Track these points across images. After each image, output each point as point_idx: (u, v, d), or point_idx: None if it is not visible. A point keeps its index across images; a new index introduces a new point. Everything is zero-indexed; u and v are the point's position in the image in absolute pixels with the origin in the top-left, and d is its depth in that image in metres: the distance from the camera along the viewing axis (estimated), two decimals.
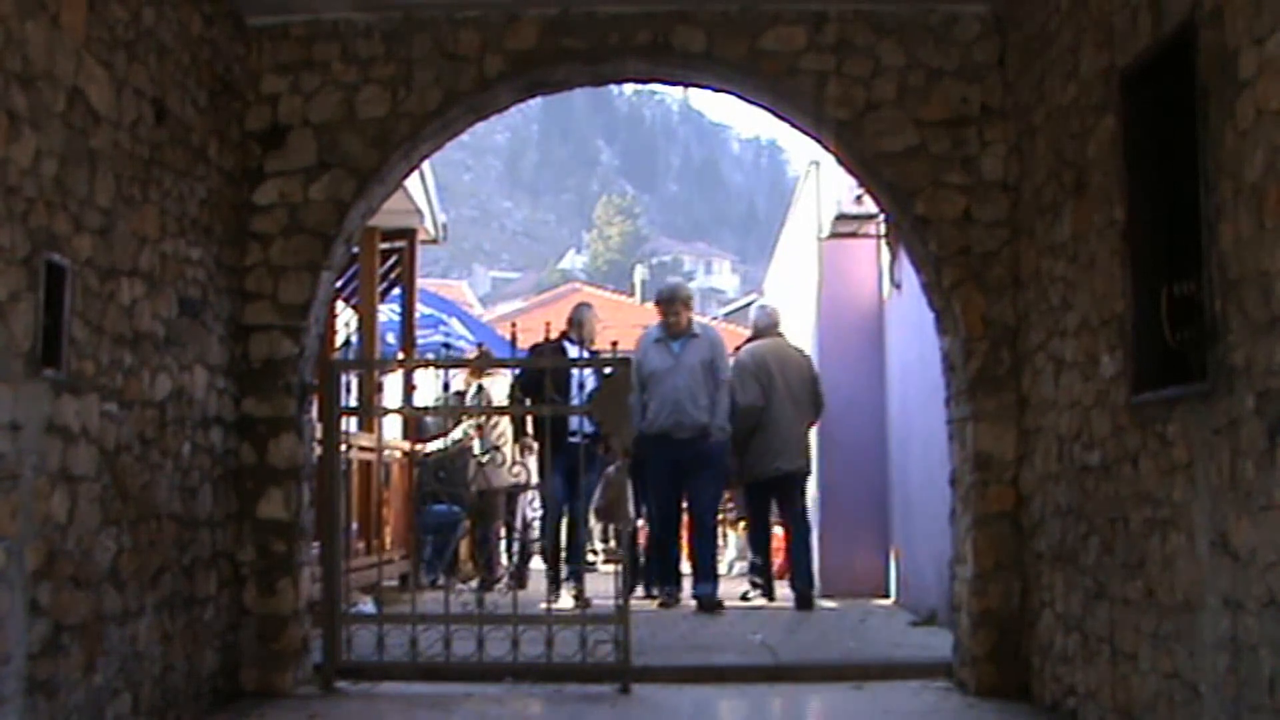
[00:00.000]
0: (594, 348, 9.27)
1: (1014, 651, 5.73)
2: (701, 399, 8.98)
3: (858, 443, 10.05)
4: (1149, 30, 4.19)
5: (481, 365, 10.22)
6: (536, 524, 10.24)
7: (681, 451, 8.94)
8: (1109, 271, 4.60)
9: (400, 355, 10.33)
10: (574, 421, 8.16)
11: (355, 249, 8.32)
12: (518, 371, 8.42)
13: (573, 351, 9.01)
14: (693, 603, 9.00)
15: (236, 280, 5.97)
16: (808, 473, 9.71)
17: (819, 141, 6.46)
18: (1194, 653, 3.83)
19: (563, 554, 8.98)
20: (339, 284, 8.55)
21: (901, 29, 6.10)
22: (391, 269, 11.37)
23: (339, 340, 10.48)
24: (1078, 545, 4.97)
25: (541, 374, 6.88)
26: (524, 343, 7.00)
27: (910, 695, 5.89)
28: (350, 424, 6.91)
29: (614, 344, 6.85)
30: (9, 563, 3.75)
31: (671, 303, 9.43)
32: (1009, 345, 5.92)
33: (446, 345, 12.97)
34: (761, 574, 9.80)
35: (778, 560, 10.36)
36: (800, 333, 11.22)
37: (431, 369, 9.12)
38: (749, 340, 10.06)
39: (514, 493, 10.89)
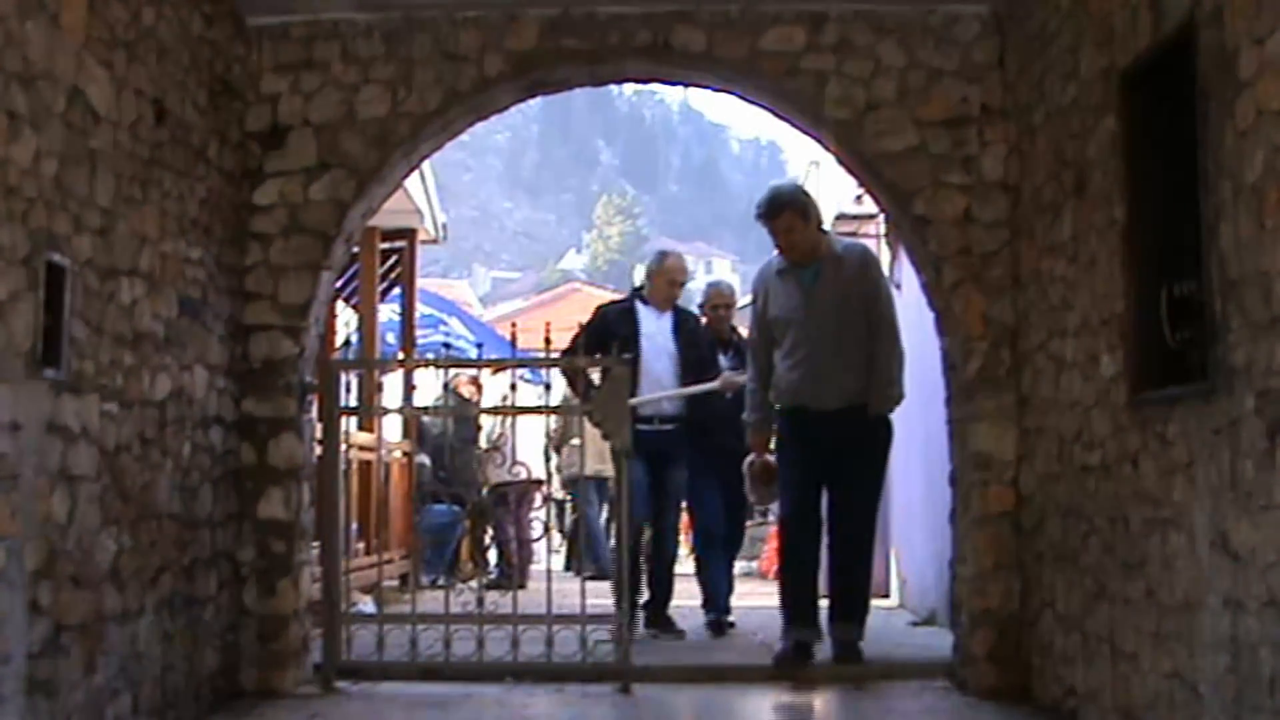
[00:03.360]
0: (668, 308, 7.48)
1: (1014, 651, 5.73)
2: (853, 353, 6.13)
3: None
4: (1149, 30, 4.19)
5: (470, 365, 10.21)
6: (537, 524, 10.19)
7: (826, 432, 6.17)
8: (1109, 271, 4.60)
9: (400, 355, 10.34)
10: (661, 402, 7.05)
11: (355, 249, 8.32)
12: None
13: (644, 313, 7.45)
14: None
15: (236, 280, 5.97)
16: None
17: (819, 141, 6.46)
18: (1194, 653, 3.83)
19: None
20: (339, 284, 8.56)
21: (901, 29, 6.10)
22: (391, 269, 11.38)
23: (339, 340, 10.49)
24: (1078, 545, 4.97)
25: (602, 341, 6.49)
26: (524, 343, 6.96)
27: (910, 695, 5.89)
28: (350, 424, 6.91)
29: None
30: (9, 563, 3.75)
31: (775, 215, 6.23)
32: (1009, 345, 5.92)
33: (446, 345, 12.98)
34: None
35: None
36: None
37: (431, 369, 9.11)
38: None
39: (521, 491, 10.82)
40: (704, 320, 8.04)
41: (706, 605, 7.72)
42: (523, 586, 9.43)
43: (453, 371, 9.65)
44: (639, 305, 7.45)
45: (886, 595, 9.82)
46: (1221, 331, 3.61)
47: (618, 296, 7.51)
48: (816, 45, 6.11)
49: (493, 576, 10.04)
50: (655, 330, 7.30)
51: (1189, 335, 3.95)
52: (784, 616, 6.33)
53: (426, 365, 8.21)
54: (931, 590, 7.94)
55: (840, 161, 6.66)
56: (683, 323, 7.47)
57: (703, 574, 7.84)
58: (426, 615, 6.33)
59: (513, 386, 6.53)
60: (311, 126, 6.14)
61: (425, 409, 9.86)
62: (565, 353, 6.92)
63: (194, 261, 5.40)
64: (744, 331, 7.56)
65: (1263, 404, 3.36)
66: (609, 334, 6.90)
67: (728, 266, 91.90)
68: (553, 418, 9.13)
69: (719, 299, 8.19)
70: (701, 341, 7.63)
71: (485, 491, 10.82)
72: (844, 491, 6.28)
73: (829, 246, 6.31)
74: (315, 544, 6.39)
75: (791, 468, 6.39)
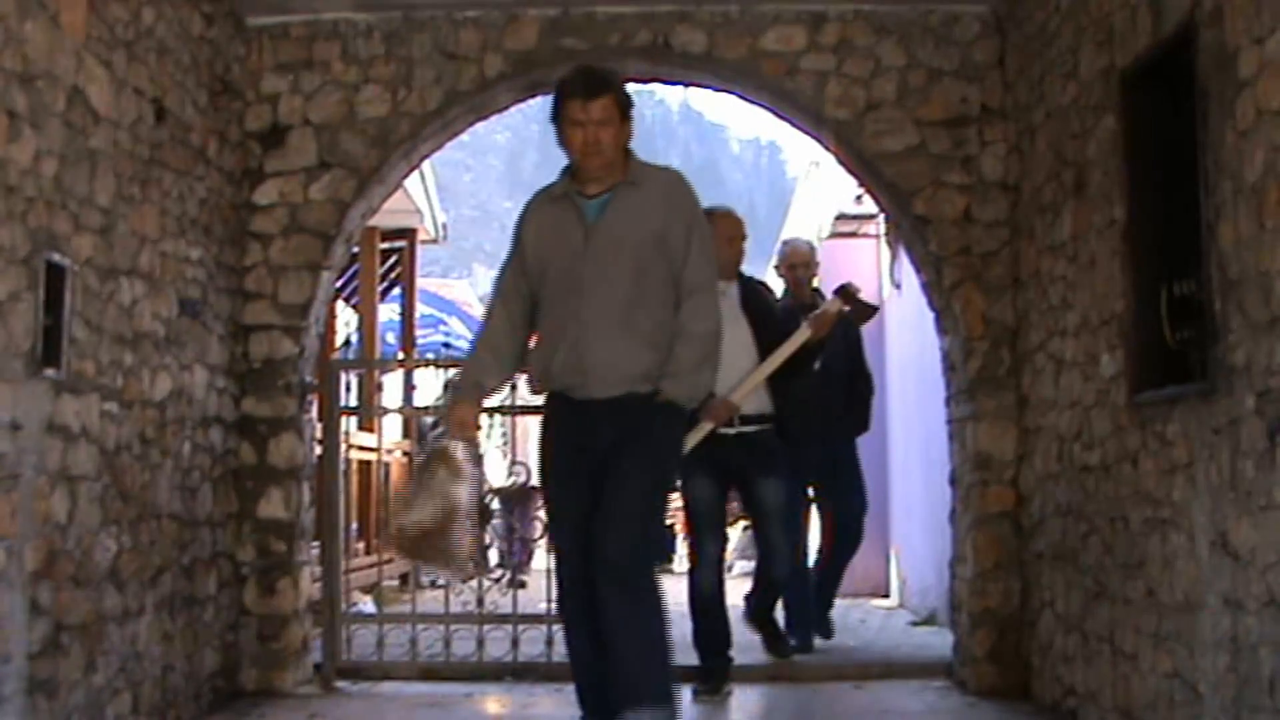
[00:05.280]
0: (731, 276, 5.82)
1: (1014, 651, 5.74)
2: (643, 323, 4.07)
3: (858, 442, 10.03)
4: (1149, 30, 4.19)
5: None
6: (537, 524, 10.15)
7: (596, 432, 4.09)
8: (1109, 271, 4.60)
9: (400, 355, 10.33)
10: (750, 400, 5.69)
11: (355, 249, 8.32)
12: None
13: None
14: None
15: (236, 280, 5.97)
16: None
17: (819, 141, 6.46)
18: (1194, 653, 3.83)
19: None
20: (339, 284, 8.56)
21: (901, 29, 6.10)
22: (391, 269, 11.39)
23: (339, 340, 10.50)
24: (1078, 545, 4.97)
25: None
26: None
27: (910, 695, 5.89)
28: (350, 424, 6.91)
29: None
30: (9, 563, 3.75)
31: (594, 94, 4.08)
32: (1009, 345, 5.92)
33: (446, 345, 12.99)
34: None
35: None
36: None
37: (431, 369, 9.11)
38: None
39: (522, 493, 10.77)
40: (783, 286, 7.14)
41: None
42: (523, 585, 9.43)
43: (452, 371, 9.64)
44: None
45: (886, 595, 9.83)
46: (1221, 331, 3.61)
47: None
48: (816, 45, 6.12)
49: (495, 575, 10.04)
50: (724, 310, 5.24)
51: (1189, 335, 3.95)
52: (580, 694, 4.29)
53: (426, 365, 8.23)
54: (931, 590, 7.95)
55: (840, 161, 6.66)
56: (751, 293, 5.95)
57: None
58: (426, 615, 6.34)
59: (513, 386, 6.52)
60: (311, 126, 6.14)
61: (425, 409, 9.87)
62: None
63: (194, 261, 5.40)
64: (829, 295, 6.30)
65: (1263, 404, 3.36)
66: None
67: None
68: None
69: (795, 257, 7.12)
70: (777, 312, 6.22)
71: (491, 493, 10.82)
72: (605, 507, 4.02)
73: (631, 173, 4.19)
74: (315, 544, 6.39)
75: (555, 485, 4.25)
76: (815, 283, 7.20)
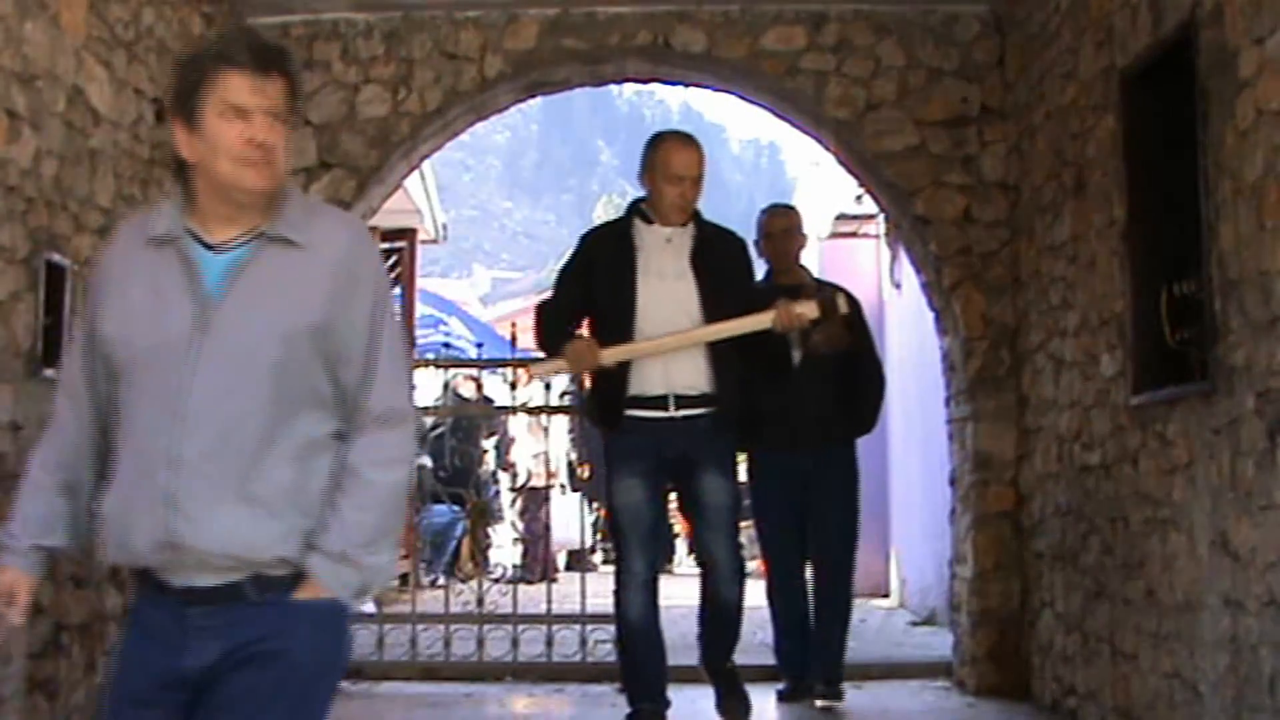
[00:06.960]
0: (682, 218, 4.74)
1: (1014, 651, 5.74)
2: (277, 467, 2.26)
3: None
4: (1149, 30, 4.19)
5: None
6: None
7: (193, 646, 2.32)
8: (1109, 271, 4.60)
9: None
10: (680, 371, 4.52)
11: None
12: None
13: (646, 235, 4.76)
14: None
15: None
16: None
17: (819, 141, 6.46)
18: (1194, 653, 3.83)
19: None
20: None
21: (901, 29, 6.10)
22: (391, 269, 11.38)
23: None
24: (1078, 545, 4.97)
25: None
26: (524, 343, 6.93)
27: (910, 695, 5.89)
28: None
29: None
30: None
31: (267, 67, 2.27)
32: (1009, 345, 5.92)
33: (446, 345, 12.99)
34: None
35: None
36: None
37: (431, 369, 9.11)
38: None
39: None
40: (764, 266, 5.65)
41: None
42: (538, 581, 9.44)
43: (452, 371, 9.65)
44: (638, 225, 4.72)
45: (886, 595, 9.83)
46: (1221, 331, 3.61)
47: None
48: (816, 45, 6.12)
49: (508, 573, 10.06)
50: (664, 260, 4.65)
51: (1189, 335, 3.95)
52: None
53: (426, 365, 8.23)
54: (931, 590, 7.95)
55: (840, 161, 6.66)
56: (711, 243, 4.74)
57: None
58: (426, 615, 6.34)
59: (513, 385, 6.53)
60: (311, 126, 6.14)
61: (425, 409, 9.86)
62: (539, 310, 4.95)
63: None
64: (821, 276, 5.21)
65: (1263, 404, 3.36)
66: (592, 273, 4.68)
67: None
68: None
69: (770, 225, 5.65)
70: (738, 271, 4.87)
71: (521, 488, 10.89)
72: None
73: (287, 216, 2.36)
74: None
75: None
76: (812, 270, 6.18)
